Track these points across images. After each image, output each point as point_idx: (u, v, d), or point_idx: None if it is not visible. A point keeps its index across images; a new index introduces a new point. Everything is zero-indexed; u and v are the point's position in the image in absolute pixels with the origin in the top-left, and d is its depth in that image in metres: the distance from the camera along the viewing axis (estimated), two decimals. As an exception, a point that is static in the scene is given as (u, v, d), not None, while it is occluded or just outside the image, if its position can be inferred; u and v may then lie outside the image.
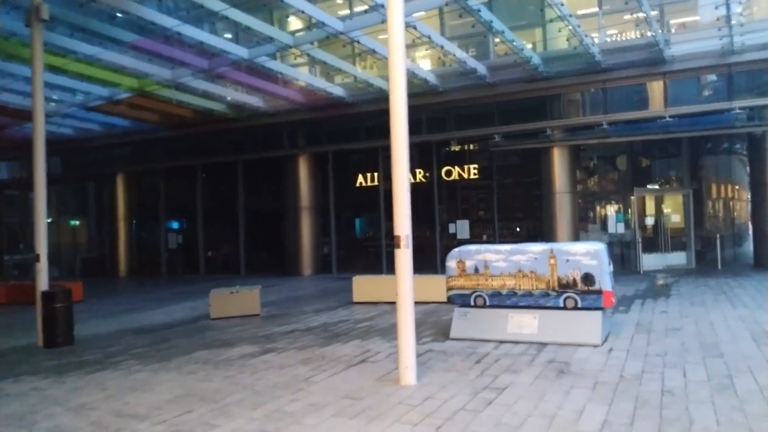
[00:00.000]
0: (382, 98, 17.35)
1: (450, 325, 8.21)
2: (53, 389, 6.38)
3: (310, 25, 12.91)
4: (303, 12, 11.60)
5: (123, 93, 17.61)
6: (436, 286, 10.78)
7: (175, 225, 23.53)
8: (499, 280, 7.81)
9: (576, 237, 16.17)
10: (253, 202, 21.14)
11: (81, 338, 9.74)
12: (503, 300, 7.79)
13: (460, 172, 17.85)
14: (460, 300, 8.09)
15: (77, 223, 27.45)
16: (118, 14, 11.96)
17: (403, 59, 6.24)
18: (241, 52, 14.36)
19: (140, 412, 5.22)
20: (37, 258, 9.69)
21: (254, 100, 18.62)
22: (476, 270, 7.97)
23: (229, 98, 18.56)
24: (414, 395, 5.42)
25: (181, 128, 20.86)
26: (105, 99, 18.17)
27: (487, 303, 7.89)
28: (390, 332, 8.61)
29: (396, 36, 6.15)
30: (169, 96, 17.81)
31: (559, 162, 16.28)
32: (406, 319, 5.96)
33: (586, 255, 7.32)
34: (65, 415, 5.28)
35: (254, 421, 4.84)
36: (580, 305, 7.35)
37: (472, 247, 8.33)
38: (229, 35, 15.67)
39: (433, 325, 9.12)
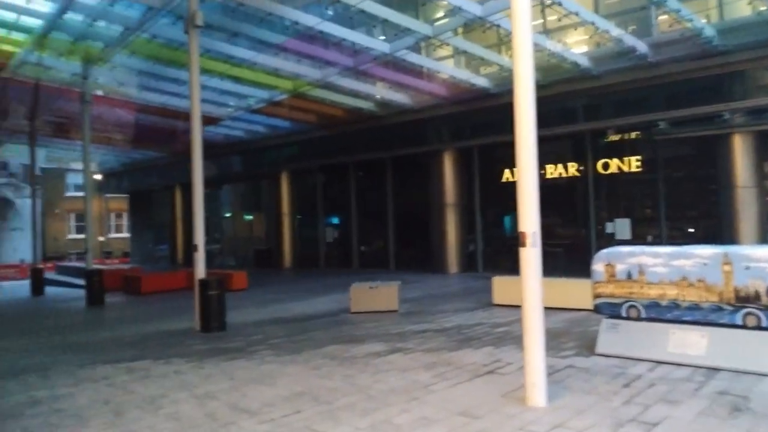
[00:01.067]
0: (530, 87, 16.33)
1: (597, 338, 7.21)
2: (190, 374, 6.76)
3: (447, 12, 12.42)
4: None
5: (280, 95, 18.77)
6: (586, 292, 9.63)
7: (332, 220, 24.62)
8: (657, 288, 6.65)
9: (763, 240, 13.57)
10: (401, 199, 21.26)
11: (233, 324, 10.41)
12: (662, 313, 6.62)
13: (620, 164, 15.99)
14: (609, 310, 7.06)
15: (251, 217, 30.15)
16: (266, 17, 12.56)
17: (528, 32, 5.49)
18: (382, 47, 14.39)
19: (253, 407, 5.24)
20: (195, 248, 10.54)
21: (400, 97, 18.67)
22: (629, 275, 6.88)
23: (376, 96, 18.85)
24: (541, 420, 4.71)
25: (335, 127, 21.73)
26: (266, 101, 19.56)
27: (642, 315, 6.77)
28: (527, 340, 7.86)
29: (520, 7, 5.43)
30: (321, 96, 18.58)
31: (740, 151, 13.78)
32: (534, 330, 5.24)
33: (775, 262, 5.89)
34: (188, 402, 5.49)
35: (358, 431, 4.56)
36: (764, 324, 5.95)
37: (624, 249, 7.23)
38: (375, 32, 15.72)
39: (579, 337, 8.13)
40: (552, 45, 14.14)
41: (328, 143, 22.72)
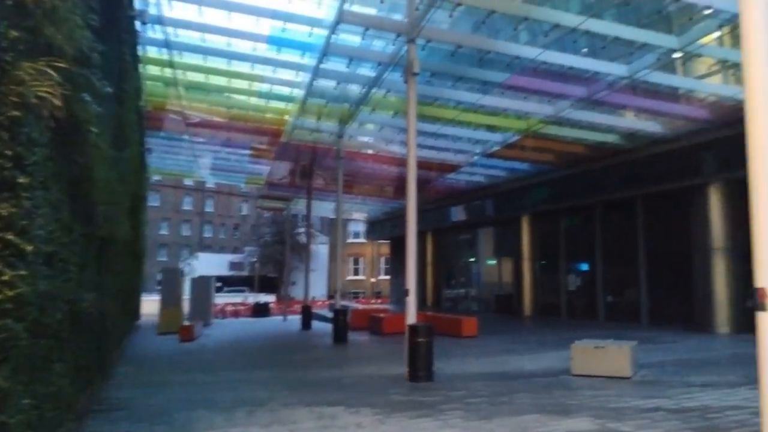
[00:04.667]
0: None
1: None
2: (368, 429, 6.58)
3: (694, 17, 10.40)
4: (677, 0, 9.41)
5: (513, 136, 18.27)
6: None
7: (575, 266, 22.70)
8: None
9: None
10: (655, 242, 18.41)
11: (443, 375, 10.08)
12: None
13: None
14: None
15: (494, 262, 29.85)
16: (485, 56, 12.34)
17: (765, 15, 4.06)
18: (618, 70, 12.82)
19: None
20: (406, 293, 10.59)
21: (649, 125, 16.40)
22: None
23: (619, 127, 16.92)
24: None
25: (577, 166, 20.21)
26: (500, 144, 19.27)
27: None
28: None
29: None
30: (557, 133, 17.51)
31: None
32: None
33: None
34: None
35: None
36: None
37: None
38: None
39: None
40: None
41: (569, 183, 21.19)
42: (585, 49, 13.26)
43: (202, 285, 25.35)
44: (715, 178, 15.82)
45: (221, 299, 35.60)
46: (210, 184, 48.25)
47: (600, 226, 20.69)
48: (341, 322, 16.83)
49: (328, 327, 18.94)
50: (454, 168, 22.71)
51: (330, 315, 27.27)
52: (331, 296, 42.10)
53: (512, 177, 23.48)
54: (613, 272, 20.15)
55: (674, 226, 17.32)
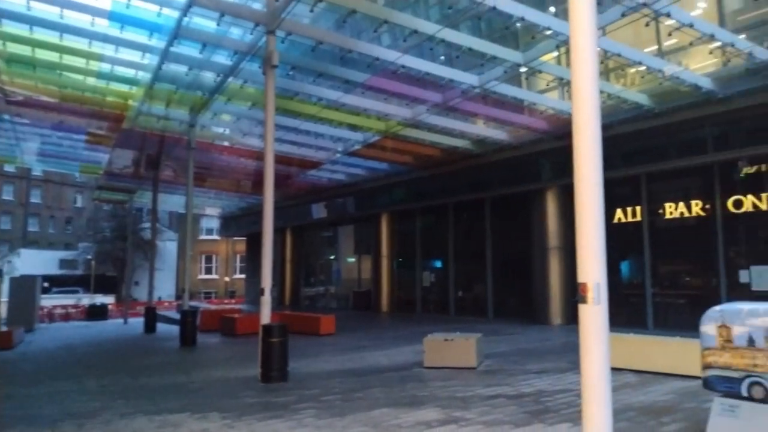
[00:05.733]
0: (641, 116, 14.49)
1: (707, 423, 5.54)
2: (213, 434, 6.16)
3: (536, 36, 11.31)
4: (522, 19, 10.15)
5: (374, 136, 18.53)
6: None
7: (431, 263, 23.71)
8: (791, 362, 4.95)
9: None
10: (500, 242, 19.87)
11: (297, 374, 9.83)
12: (800, 396, 4.89)
13: (756, 201, 13.40)
14: (724, 386, 5.39)
15: (353, 260, 30.15)
16: (346, 54, 12.31)
17: (591, 41, 4.42)
18: (470, 79, 13.54)
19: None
20: (261, 292, 10.17)
21: (496, 133, 17.59)
22: (751, 341, 5.22)
23: (470, 133, 17.94)
24: None
25: (432, 168, 21.07)
26: (361, 143, 19.44)
27: (771, 397, 5.06)
28: (628, 418, 6.33)
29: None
30: (415, 136, 18.06)
31: None
32: (595, 409, 3.96)
33: None
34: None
35: None
36: None
37: (744, 306, 5.54)
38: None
39: (687, 416, 6.40)
40: (667, 67, 12.42)
41: (425, 184, 22.09)
42: (442, 57, 13.86)
43: (24, 285, 22.43)
44: (552, 184, 17.46)
45: (49, 301, 31.84)
46: (37, 171, 42.62)
47: (452, 226, 21.84)
48: (189, 323, 15.77)
49: (176, 330, 17.73)
50: (315, 165, 22.49)
51: (177, 317, 25.58)
52: (179, 297, 39.57)
53: (372, 176, 23.87)
54: (464, 269, 21.38)
55: (517, 227, 18.80)
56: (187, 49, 12.95)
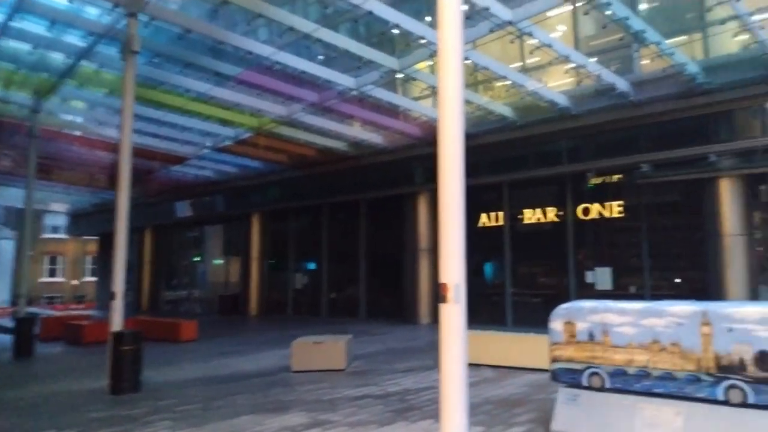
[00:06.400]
0: (505, 127, 15.48)
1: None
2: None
3: (411, 44, 11.60)
4: (398, 26, 10.33)
5: (246, 132, 17.85)
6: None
7: (304, 265, 23.38)
8: (624, 353, 5.45)
9: (754, 295, 12.38)
10: (373, 243, 20.16)
11: (152, 384, 9.06)
12: (630, 383, 5.40)
13: (601, 209, 14.90)
14: (568, 377, 5.82)
15: (221, 262, 28.83)
16: (217, 45, 11.73)
17: (456, 58, 4.53)
18: (347, 81, 13.53)
19: None
20: (112, 296, 9.27)
21: (372, 136, 17.80)
22: (591, 336, 5.69)
23: (346, 135, 17.98)
24: None
25: (308, 168, 20.79)
26: (232, 139, 18.61)
27: (607, 385, 5.54)
28: (485, 411, 6.60)
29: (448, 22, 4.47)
30: (290, 134, 17.68)
31: (728, 196, 12.80)
32: (453, 403, 4.06)
33: (762, 322, 4.72)
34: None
35: None
36: (751, 401, 4.73)
37: (587, 304, 6.05)
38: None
39: (538, 407, 6.84)
40: (529, 83, 13.36)
41: (300, 184, 21.77)
42: (321, 57, 13.71)
43: None
44: (423, 188, 18.03)
45: None
46: None
47: (327, 227, 21.74)
48: (25, 332, 13.99)
49: (8, 340, 15.64)
50: (180, 160, 21.15)
51: (11, 325, 22.70)
52: (14, 303, 35.11)
53: (244, 174, 23.01)
54: (337, 270, 21.35)
55: (390, 229, 19.18)
56: (32, 25, 11.54)
